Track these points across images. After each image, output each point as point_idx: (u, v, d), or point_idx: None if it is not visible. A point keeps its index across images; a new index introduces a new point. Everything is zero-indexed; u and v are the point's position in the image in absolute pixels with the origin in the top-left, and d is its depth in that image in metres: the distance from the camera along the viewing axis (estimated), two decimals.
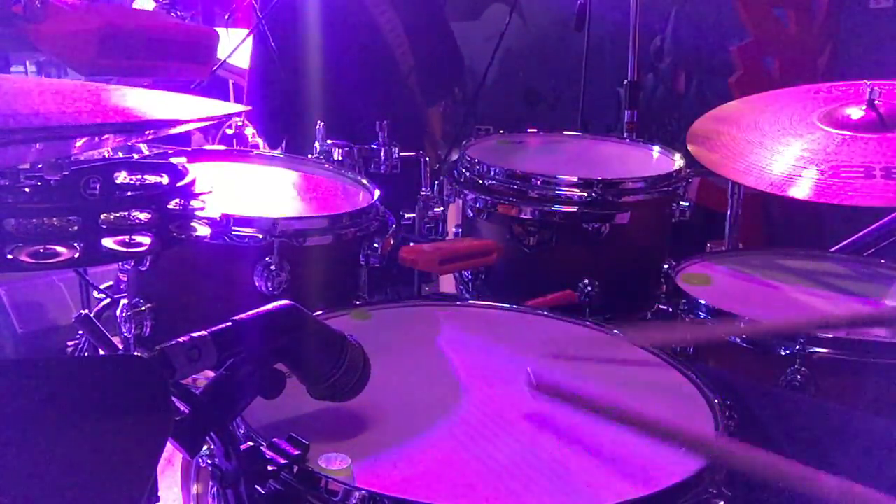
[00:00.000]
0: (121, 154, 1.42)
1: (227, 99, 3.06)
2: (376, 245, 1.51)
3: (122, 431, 0.68)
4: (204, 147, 1.92)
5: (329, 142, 1.85)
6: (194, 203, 1.10)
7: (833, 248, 1.89)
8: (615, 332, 1.22)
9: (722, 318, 1.36)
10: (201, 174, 1.14)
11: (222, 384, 0.79)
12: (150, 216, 1.02)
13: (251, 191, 1.68)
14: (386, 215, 1.58)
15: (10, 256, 0.91)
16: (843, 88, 1.79)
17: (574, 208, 1.61)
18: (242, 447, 0.80)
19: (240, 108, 1.50)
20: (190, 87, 2.31)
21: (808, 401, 1.25)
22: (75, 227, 0.96)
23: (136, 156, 1.48)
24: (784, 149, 1.63)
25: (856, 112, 1.66)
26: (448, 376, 1.07)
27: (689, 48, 3.75)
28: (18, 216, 0.94)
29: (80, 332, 1.76)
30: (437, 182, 1.86)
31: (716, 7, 3.59)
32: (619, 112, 2.84)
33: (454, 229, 1.81)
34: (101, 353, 1.53)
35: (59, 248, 0.94)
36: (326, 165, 1.82)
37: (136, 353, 1.38)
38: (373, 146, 1.86)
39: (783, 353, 1.30)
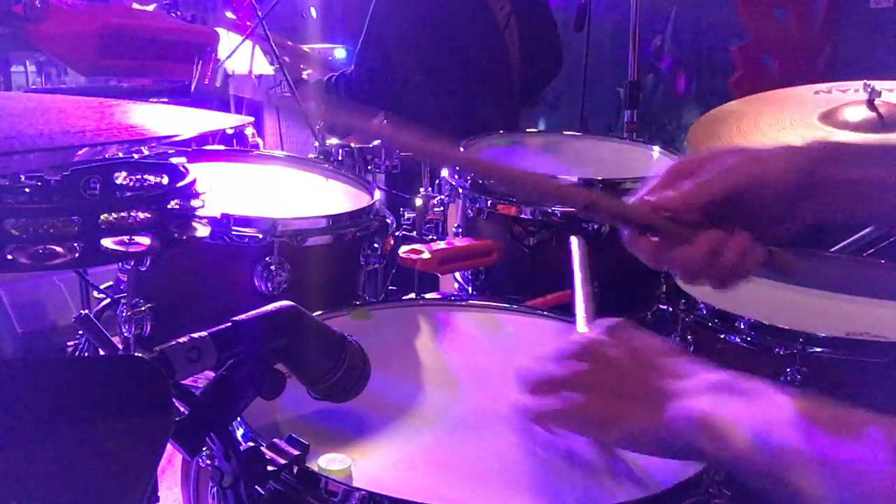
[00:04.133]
0: (121, 154, 1.42)
1: (227, 104, 3.06)
2: (376, 245, 1.51)
3: (122, 432, 0.68)
4: (204, 147, 1.92)
5: (332, 142, 1.85)
6: (194, 203, 1.10)
7: (833, 248, 1.89)
8: None
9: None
10: (201, 174, 1.14)
11: (222, 385, 0.79)
12: (150, 216, 1.02)
13: (251, 191, 1.68)
14: (386, 215, 1.58)
15: (10, 257, 0.91)
16: (843, 88, 1.79)
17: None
18: (242, 448, 0.80)
19: (244, 119, 1.50)
20: (190, 89, 2.31)
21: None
22: (75, 228, 0.96)
23: (136, 156, 1.47)
24: None
25: (856, 112, 1.66)
26: (448, 377, 1.07)
27: (689, 48, 3.75)
28: (18, 216, 0.94)
29: (80, 332, 1.76)
30: (437, 182, 1.86)
31: (716, 7, 3.59)
32: (619, 112, 2.84)
33: (454, 229, 1.81)
34: (101, 353, 1.53)
35: (59, 249, 0.94)
36: (326, 165, 1.82)
37: (136, 354, 1.38)
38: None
39: (783, 353, 1.30)
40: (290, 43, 2.79)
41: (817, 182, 0.91)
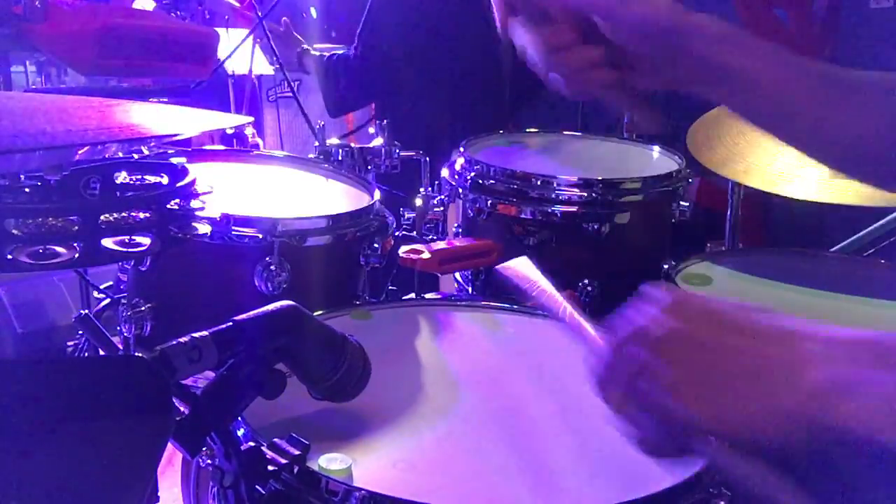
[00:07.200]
0: (121, 154, 1.42)
1: (227, 99, 3.07)
2: (376, 245, 1.51)
3: (122, 432, 0.68)
4: (204, 147, 1.92)
5: (332, 142, 1.85)
6: (194, 203, 1.10)
7: (833, 248, 1.89)
8: None
9: None
10: (201, 174, 1.14)
11: (223, 384, 0.79)
12: (150, 216, 1.02)
13: (251, 191, 1.68)
14: (386, 215, 1.58)
15: (10, 256, 0.91)
16: None
17: (574, 208, 1.61)
18: (243, 447, 0.80)
19: (244, 119, 1.50)
20: (190, 87, 2.31)
21: None
22: (75, 227, 0.95)
23: (136, 156, 1.48)
24: (784, 149, 1.63)
25: None
26: (448, 376, 1.07)
27: None
28: (18, 216, 0.94)
29: (80, 332, 1.76)
30: (437, 182, 1.86)
31: (716, 7, 3.59)
32: (619, 112, 2.83)
33: (454, 229, 1.81)
34: (101, 353, 1.53)
35: (59, 249, 0.94)
36: (326, 165, 1.82)
37: (136, 354, 1.38)
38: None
39: None
40: (296, 35, 2.78)
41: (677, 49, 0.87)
